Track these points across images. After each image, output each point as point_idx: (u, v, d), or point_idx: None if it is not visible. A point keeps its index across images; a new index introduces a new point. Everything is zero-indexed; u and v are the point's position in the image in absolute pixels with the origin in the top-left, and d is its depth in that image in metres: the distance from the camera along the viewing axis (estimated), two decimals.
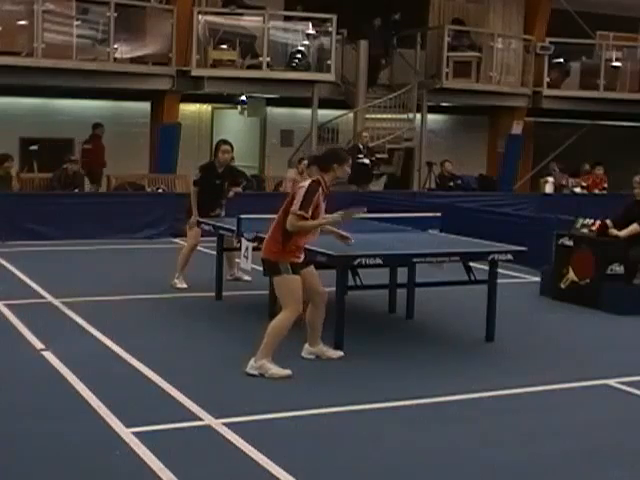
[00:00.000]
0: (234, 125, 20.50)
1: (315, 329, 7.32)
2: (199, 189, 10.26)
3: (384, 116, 18.41)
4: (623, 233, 10.05)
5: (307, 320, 7.24)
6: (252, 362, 6.85)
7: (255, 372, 6.81)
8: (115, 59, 16.17)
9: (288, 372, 6.81)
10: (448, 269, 8.07)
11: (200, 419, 5.80)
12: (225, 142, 10.55)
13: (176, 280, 10.36)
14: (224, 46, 17.28)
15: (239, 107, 19.41)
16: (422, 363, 7.39)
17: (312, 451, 5.40)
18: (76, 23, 15.77)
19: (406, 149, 19.13)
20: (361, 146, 16.88)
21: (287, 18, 18.10)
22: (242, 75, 17.30)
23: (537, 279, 11.12)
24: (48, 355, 7.21)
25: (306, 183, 6.90)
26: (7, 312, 8.75)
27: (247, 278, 10.52)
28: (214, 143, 19.52)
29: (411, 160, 19.32)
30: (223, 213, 10.47)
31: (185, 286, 10.30)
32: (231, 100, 19.19)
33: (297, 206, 6.73)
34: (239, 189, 11.01)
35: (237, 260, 9.81)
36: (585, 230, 10.34)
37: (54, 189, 15.22)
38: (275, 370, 6.79)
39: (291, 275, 6.82)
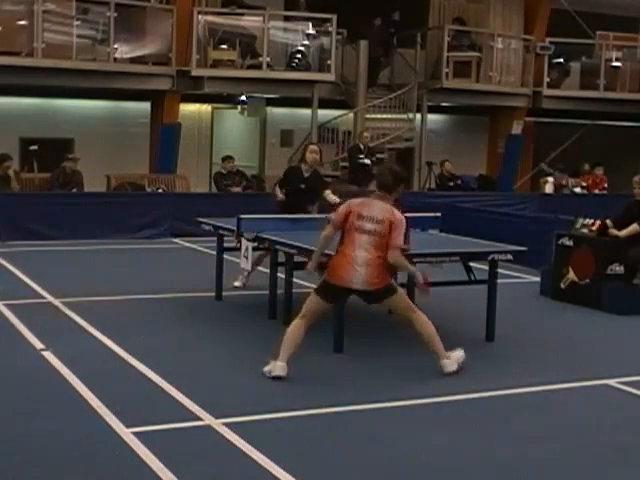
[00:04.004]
0: (234, 125, 20.50)
1: (298, 347, 6.91)
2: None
3: (384, 116, 18.41)
4: (623, 233, 10.05)
5: (291, 336, 6.81)
6: (445, 361, 6.95)
7: (455, 368, 7.00)
8: (115, 59, 16.16)
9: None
10: (448, 269, 8.07)
11: (200, 419, 5.80)
12: (313, 143, 10.03)
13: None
14: (224, 46, 17.25)
15: (239, 107, 19.41)
16: (422, 363, 7.38)
17: (312, 451, 5.40)
18: (76, 23, 15.74)
19: (406, 149, 19.13)
20: (362, 146, 16.88)
21: (287, 18, 18.09)
22: (242, 75, 17.29)
23: (537, 279, 11.12)
24: (48, 355, 7.21)
25: (400, 215, 6.83)
26: (7, 312, 8.75)
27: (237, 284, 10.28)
28: (214, 143, 19.71)
29: (411, 160, 19.32)
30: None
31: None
32: (231, 100, 19.19)
33: (401, 240, 6.77)
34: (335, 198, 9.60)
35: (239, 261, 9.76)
36: (585, 230, 10.34)
37: (53, 188, 15.23)
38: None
39: (397, 286, 6.95)
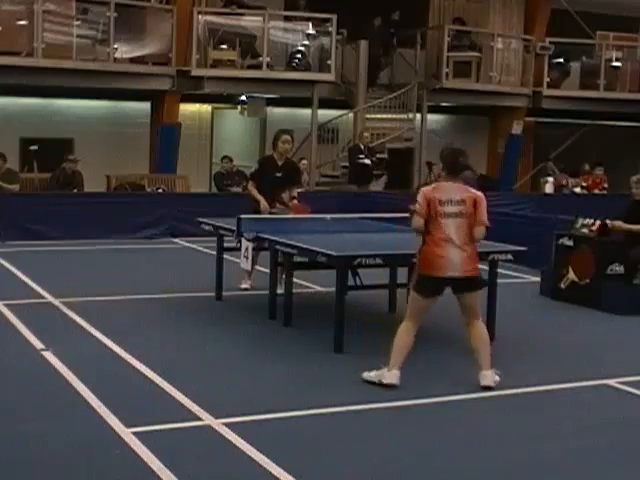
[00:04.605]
0: (234, 125, 20.50)
1: (408, 352, 6.79)
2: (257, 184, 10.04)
3: (384, 116, 18.42)
4: (629, 227, 9.99)
5: (400, 342, 6.70)
6: (487, 373, 6.69)
7: (492, 384, 6.67)
8: (115, 59, 16.17)
9: None
10: None
11: (200, 419, 5.80)
12: (285, 133, 10.28)
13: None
14: (224, 46, 17.28)
15: (239, 107, 19.43)
16: (422, 363, 7.38)
17: (312, 451, 5.40)
18: (76, 23, 15.78)
19: (406, 149, 19.13)
20: (362, 146, 16.89)
21: (287, 18, 18.11)
22: (242, 75, 17.30)
23: (537, 279, 11.12)
24: (48, 355, 7.21)
25: (479, 192, 6.74)
26: (7, 312, 8.75)
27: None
28: (214, 143, 19.71)
29: (411, 160, 19.32)
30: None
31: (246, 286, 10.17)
32: (231, 100, 19.20)
33: (486, 217, 6.65)
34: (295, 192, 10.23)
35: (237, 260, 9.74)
36: (585, 230, 10.34)
37: (52, 189, 15.24)
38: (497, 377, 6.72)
39: None
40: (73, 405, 6.05)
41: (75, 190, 15.23)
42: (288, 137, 10.25)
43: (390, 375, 6.60)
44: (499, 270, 8.33)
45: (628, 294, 9.86)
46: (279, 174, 10.06)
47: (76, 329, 8.23)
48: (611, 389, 6.88)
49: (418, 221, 6.61)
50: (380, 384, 6.60)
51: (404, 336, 6.68)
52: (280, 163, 10.16)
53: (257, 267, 10.00)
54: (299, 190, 10.42)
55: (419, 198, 6.62)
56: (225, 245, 9.77)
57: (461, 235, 6.57)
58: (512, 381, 6.89)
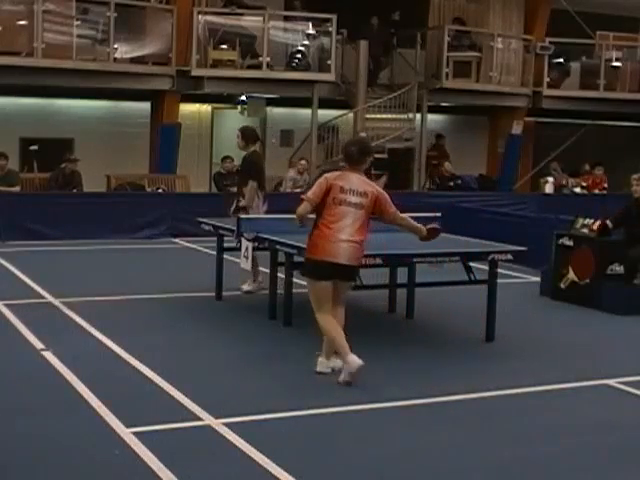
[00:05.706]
0: (234, 125, 20.38)
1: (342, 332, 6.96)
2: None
3: (384, 116, 18.40)
4: None
5: (331, 331, 6.86)
6: (325, 360, 6.92)
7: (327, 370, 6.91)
8: (115, 59, 16.18)
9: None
10: (448, 269, 8.06)
11: (200, 419, 5.80)
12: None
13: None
14: (224, 46, 17.28)
15: (239, 107, 19.42)
16: (422, 363, 7.39)
17: (312, 451, 5.40)
18: (76, 23, 15.77)
19: (406, 149, 19.12)
20: None
21: (287, 18, 18.11)
22: (242, 75, 17.30)
23: (537, 279, 11.12)
24: (48, 355, 7.21)
25: (381, 189, 6.93)
26: (7, 312, 8.75)
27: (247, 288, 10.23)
28: (214, 143, 19.68)
29: (411, 160, 19.32)
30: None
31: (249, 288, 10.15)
32: (231, 100, 19.20)
33: (392, 206, 6.90)
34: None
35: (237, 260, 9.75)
36: (585, 230, 10.35)
37: (52, 189, 15.24)
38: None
39: None
40: (73, 405, 6.05)
41: (74, 190, 15.23)
42: (236, 132, 10.39)
43: (351, 361, 6.59)
44: (499, 270, 8.33)
45: (628, 294, 9.86)
46: (240, 169, 10.23)
47: (76, 329, 8.23)
48: (611, 389, 6.88)
49: (304, 208, 6.72)
50: (351, 375, 6.58)
51: (331, 323, 6.74)
52: (243, 157, 10.28)
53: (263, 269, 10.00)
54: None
55: (318, 183, 6.76)
56: (225, 245, 9.77)
57: (356, 225, 6.68)
58: (512, 381, 6.90)
